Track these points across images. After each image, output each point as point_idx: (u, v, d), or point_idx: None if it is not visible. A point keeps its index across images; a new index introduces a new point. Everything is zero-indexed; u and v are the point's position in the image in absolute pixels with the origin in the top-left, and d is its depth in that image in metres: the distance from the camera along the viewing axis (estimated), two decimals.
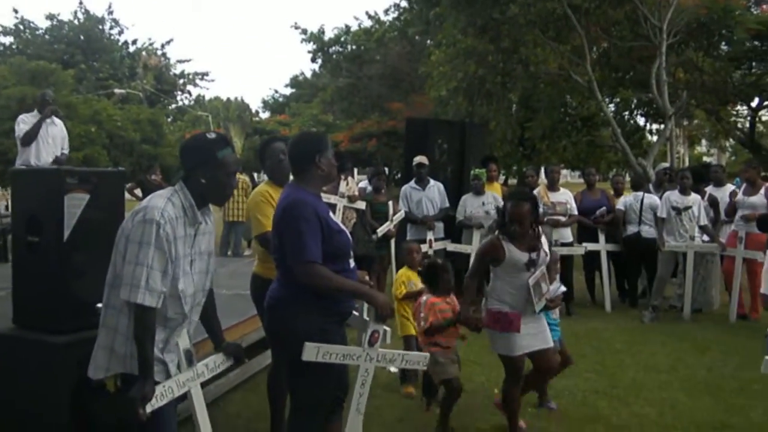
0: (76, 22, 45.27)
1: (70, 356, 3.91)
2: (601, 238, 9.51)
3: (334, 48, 31.70)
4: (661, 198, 9.26)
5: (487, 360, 6.17)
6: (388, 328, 3.81)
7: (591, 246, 9.42)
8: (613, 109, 19.15)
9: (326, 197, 7.06)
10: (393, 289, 6.24)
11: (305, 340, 3.47)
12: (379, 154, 30.26)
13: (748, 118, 19.71)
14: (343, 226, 3.85)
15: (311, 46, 31.43)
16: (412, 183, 9.24)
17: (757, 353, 7.20)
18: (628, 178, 14.77)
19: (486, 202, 9.16)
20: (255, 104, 71.86)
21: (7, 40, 43.46)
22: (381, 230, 8.61)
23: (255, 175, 33.04)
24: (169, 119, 44.20)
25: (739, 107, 20.08)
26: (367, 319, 3.77)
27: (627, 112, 20.36)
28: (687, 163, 27.25)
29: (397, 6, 29.23)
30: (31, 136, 8.29)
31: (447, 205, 9.19)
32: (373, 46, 29.59)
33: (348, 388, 3.87)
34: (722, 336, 8.01)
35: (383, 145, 29.90)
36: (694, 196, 8.91)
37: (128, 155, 24.67)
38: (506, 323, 4.60)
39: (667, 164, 12.92)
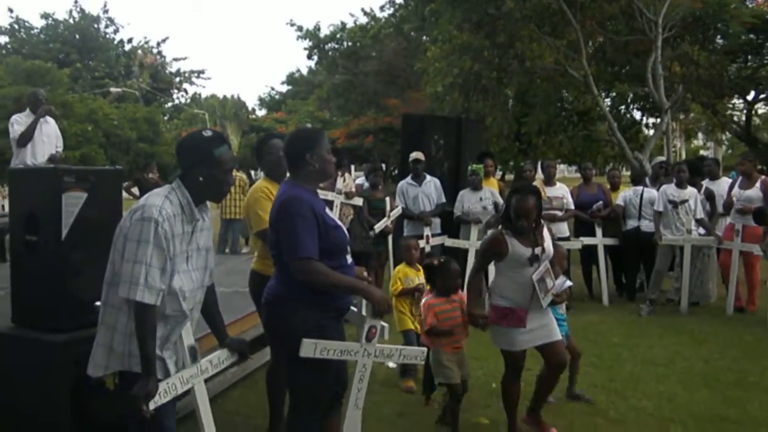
0: (71, 21, 45.20)
1: (69, 355, 3.92)
2: (598, 232, 9.53)
3: (330, 45, 31.67)
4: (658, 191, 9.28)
5: (484, 354, 6.20)
6: (385, 324, 3.82)
7: (588, 240, 9.44)
8: (609, 103, 19.16)
9: (323, 194, 7.06)
10: (390, 286, 6.25)
11: (303, 337, 3.48)
12: (375, 150, 30.27)
13: (744, 111, 19.72)
14: (339, 223, 3.86)
15: (307, 43, 31.41)
16: (409, 179, 9.25)
17: (754, 345, 7.27)
18: (626, 172, 14.80)
19: (483, 198, 9.17)
20: (251, 102, 72.01)
21: (3, 39, 43.40)
22: (378, 226, 8.64)
23: (252, 172, 33.03)
24: (166, 117, 44.15)
25: (735, 100, 20.09)
26: (365, 315, 3.78)
27: (623, 107, 20.35)
28: (684, 157, 27.22)
29: (392, 2, 29.19)
30: (27, 137, 8.28)
31: (443, 200, 9.20)
32: (368, 43, 29.58)
33: (347, 384, 3.88)
34: (719, 329, 8.04)
35: (380, 141, 29.92)
36: (690, 190, 8.93)
37: (125, 154, 24.66)
38: (514, 319, 4.56)
39: (663, 158, 12.94)
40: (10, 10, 53.51)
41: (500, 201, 9.24)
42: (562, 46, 15.65)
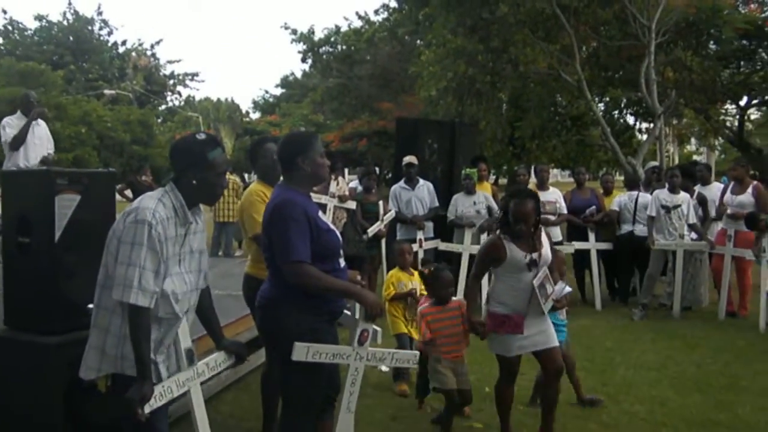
0: (65, 22, 45.23)
1: (62, 357, 3.91)
2: (591, 236, 9.55)
3: (324, 48, 31.70)
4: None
5: (478, 359, 6.19)
6: (378, 328, 3.82)
7: (581, 245, 9.46)
8: (602, 108, 19.23)
9: (317, 197, 7.08)
10: (383, 290, 6.24)
11: (296, 340, 3.48)
12: (369, 153, 30.34)
13: (737, 116, 19.82)
14: (332, 226, 3.85)
15: (301, 47, 31.43)
16: (402, 183, 9.26)
17: (745, 350, 7.30)
18: (619, 177, 14.84)
19: (477, 202, 9.18)
20: (245, 105, 71.97)
21: None
22: (372, 230, 8.64)
23: (245, 175, 33.05)
24: (159, 120, 44.18)
25: (727, 106, 20.19)
26: (357, 318, 3.78)
27: (616, 111, 20.45)
28: (676, 162, 27.32)
29: (386, 6, 29.29)
30: (19, 140, 8.25)
31: (436, 204, 9.21)
32: (363, 47, 29.61)
33: (339, 387, 3.88)
34: (711, 333, 8.06)
35: (374, 144, 29.98)
36: (683, 195, 8.95)
37: (118, 156, 24.66)
38: (511, 326, 4.51)
39: (656, 163, 12.98)
40: (4, 12, 53.68)
41: (494, 205, 9.26)
42: (556, 50, 15.70)
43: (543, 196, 9.22)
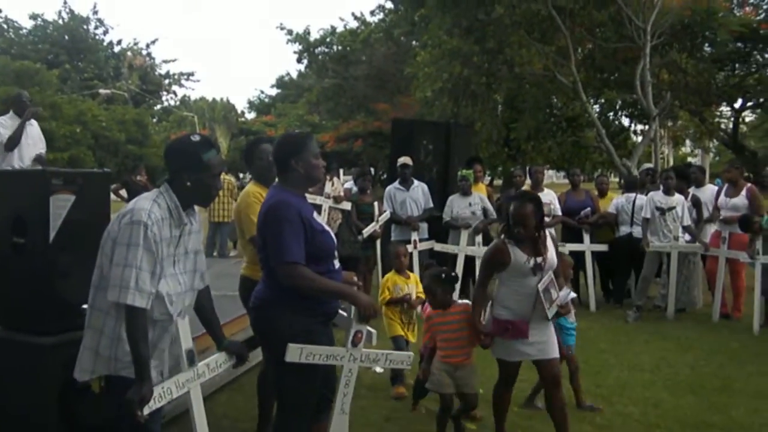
0: (60, 21, 45.16)
1: (57, 357, 3.90)
2: (586, 238, 9.56)
3: (319, 49, 31.72)
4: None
5: (475, 361, 6.20)
6: (373, 330, 3.82)
7: (575, 246, 9.46)
8: (597, 109, 19.28)
9: (311, 198, 7.07)
10: (378, 294, 6.22)
11: (290, 341, 3.48)
12: (364, 154, 30.34)
13: (732, 119, 19.88)
14: (327, 227, 3.84)
15: (297, 47, 31.45)
16: (396, 183, 9.26)
17: (739, 352, 7.31)
18: (614, 179, 14.87)
19: (473, 203, 9.18)
20: (241, 105, 72.04)
21: None
22: (367, 231, 8.64)
23: (240, 175, 33.03)
24: (155, 120, 44.17)
25: (722, 108, 20.25)
26: (351, 319, 3.78)
27: (611, 113, 20.50)
28: (671, 164, 27.38)
29: (382, 7, 29.32)
30: (15, 141, 8.22)
31: (431, 205, 9.21)
32: (358, 47, 29.63)
33: (336, 388, 3.88)
34: (705, 335, 8.08)
35: (369, 145, 29.99)
36: (677, 197, 8.97)
37: (113, 156, 24.65)
38: (515, 332, 4.47)
39: (650, 165, 13.01)
40: None
41: (489, 206, 9.27)
42: (552, 52, 15.73)
43: None
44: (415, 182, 9.22)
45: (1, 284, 4.35)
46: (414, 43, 24.72)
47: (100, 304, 3.20)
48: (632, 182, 10.54)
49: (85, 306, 3.32)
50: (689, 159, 37.00)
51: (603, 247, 9.63)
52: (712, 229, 9.29)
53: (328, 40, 31.63)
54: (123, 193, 12.05)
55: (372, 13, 30.70)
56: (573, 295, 4.73)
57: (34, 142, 8.51)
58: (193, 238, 3.43)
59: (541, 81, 16.88)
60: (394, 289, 5.97)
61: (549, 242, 4.63)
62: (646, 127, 16.80)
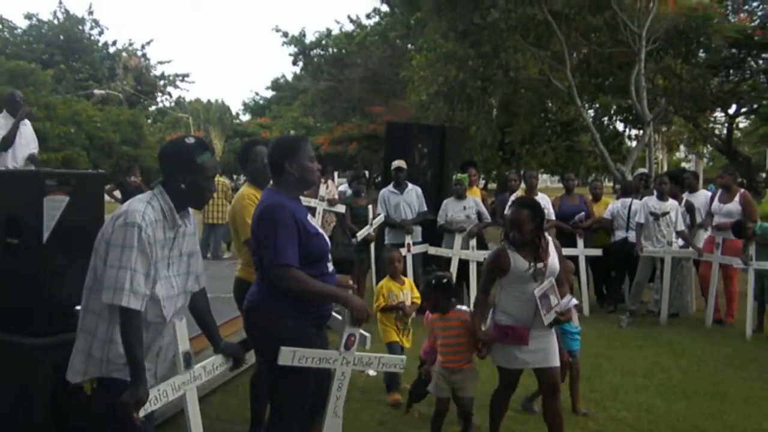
0: (55, 21, 45.06)
1: (50, 359, 3.89)
2: (580, 243, 9.57)
3: (315, 51, 31.75)
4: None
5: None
6: (367, 334, 3.81)
7: (569, 251, 9.45)
8: (592, 114, 19.31)
9: (306, 200, 7.05)
10: (373, 301, 6.17)
11: (282, 344, 3.47)
12: (359, 157, 30.33)
13: (726, 124, 19.92)
14: (321, 230, 3.84)
15: (292, 49, 31.47)
16: (390, 187, 9.26)
17: (732, 357, 7.33)
18: (608, 183, 14.89)
19: (467, 207, 9.19)
20: (236, 106, 72.05)
21: None
22: (361, 234, 8.63)
23: (235, 177, 33.01)
24: (149, 121, 44.09)
25: (716, 114, 20.30)
26: (344, 322, 3.77)
27: (606, 118, 20.53)
28: (665, 169, 27.44)
29: (378, 10, 29.33)
30: (9, 141, 8.19)
31: (425, 209, 9.20)
32: (354, 50, 29.64)
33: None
34: (698, 340, 8.09)
35: (364, 148, 29.96)
36: (671, 202, 8.99)
37: (108, 156, 24.60)
38: (515, 337, 4.44)
39: (644, 170, 13.03)
40: None
41: (484, 210, 9.28)
42: (547, 56, 15.75)
43: None
44: (409, 185, 9.21)
45: None
46: (409, 46, 24.76)
47: (93, 307, 3.19)
48: (628, 187, 10.56)
49: (78, 308, 3.31)
50: (683, 164, 37.11)
51: (597, 252, 9.64)
52: (705, 234, 9.31)
53: (323, 42, 31.66)
54: (117, 194, 12.01)
55: (368, 16, 30.76)
56: (575, 302, 4.65)
57: (27, 142, 8.48)
58: (188, 240, 3.41)
59: (536, 85, 16.91)
60: (389, 295, 5.92)
61: (551, 248, 4.60)
62: (641, 132, 16.82)
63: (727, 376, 6.70)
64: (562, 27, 14.59)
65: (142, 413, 3.05)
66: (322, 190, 8.24)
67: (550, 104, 19.05)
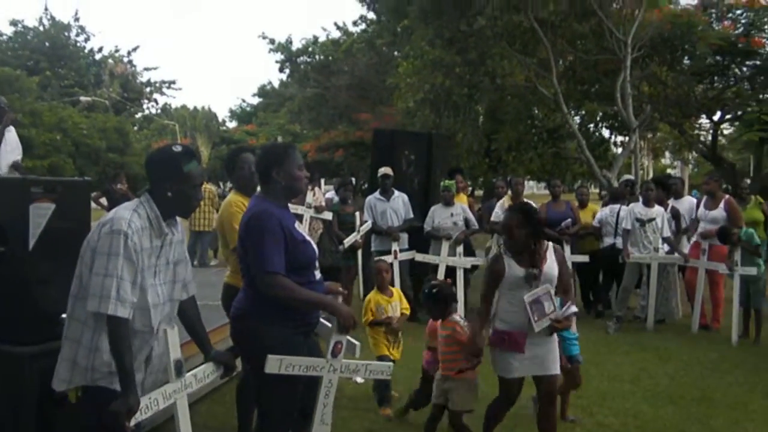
0: (41, 28, 44.80)
1: (35, 367, 3.87)
2: (566, 249, 9.58)
3: (302, 58, 31.71)
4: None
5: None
6: (356, 342, 3.80)
7: None
8: (578, 121, 19.31)
9: (293, 208, 7.04)
10: (361, 315, 6.08)
11: (269, 352, 3.47)
12: (346, 164, 30.30)
13: (710, 131, 20.00)
14: (308, 237, 3.84)
15: (279, 56, 31.43)
16: (377, 194, 9.28)
17: (718, 363, 7.36)
18: (594, 190, 14.92)
19: (455, 213, 9.21)
20: (222, 113, 71.67)
21: None
22: (348, 241, 8.64)
23: (221, 184, 32.91)
24: (136, 128, 43.91)
25: (701, 120, 20.37)
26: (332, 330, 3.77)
27: (592, 125, 20.53)
28: (651, 176, 27.53)
29: (364, 17, 29.34)
30: None
31: (411, 216, 9.22)
32: (341, 57, 29.61)
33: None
34: (685, 346, 8.13)
35: (350, 155, 29.93)
36: (657, 208, 9.04)
37: (94, 164, 24.49)
38: (511, 343, 4.41)
39: (630, 176, 13.08)
40: None
41: (471, 217, 9.31)
42: (533, 64, 15.78)
43: None
44: (396, 193, 9.23)
45: None
46: (396, 53, 24.74)
47: (78, 315, 3.17)
48: (616, 194, 10.60)
49: (63, 316, 3.29)
50: (669, 171, 37.27)
51: (584, 258, 9.66)
52: (691, 240, 9.36)
53: (310, 49, 31.63)
54: (103, 201, 11.96)
55: (354, 23, 30.74)
56: (574, 309, 4.55)
57: (12, 148, 8.45)
58: (175, 249, 3.40)
59: (522, 92, 16.91)
60: (377, 310, 5.83)
61: (550, 254, 4.59)
62: (627, 138, 16.88)
63: (713, 381, 6.73)
64: (548, 34, 14.62)
65: (133, 422, 3.04)
66: (309, 197, 8.24)
67: (536, 111, 19.06)
